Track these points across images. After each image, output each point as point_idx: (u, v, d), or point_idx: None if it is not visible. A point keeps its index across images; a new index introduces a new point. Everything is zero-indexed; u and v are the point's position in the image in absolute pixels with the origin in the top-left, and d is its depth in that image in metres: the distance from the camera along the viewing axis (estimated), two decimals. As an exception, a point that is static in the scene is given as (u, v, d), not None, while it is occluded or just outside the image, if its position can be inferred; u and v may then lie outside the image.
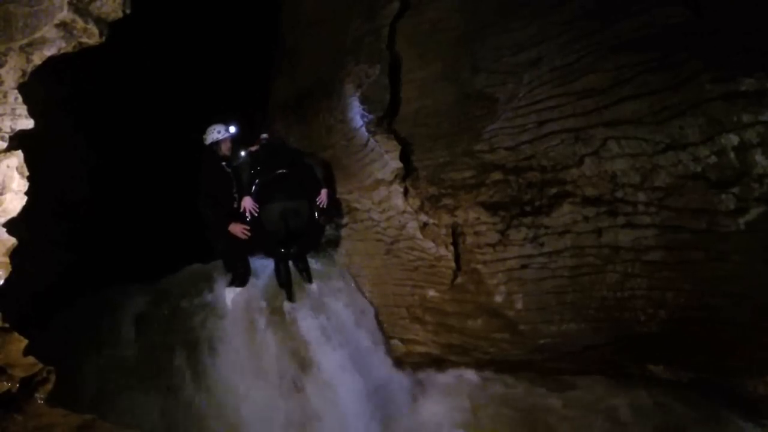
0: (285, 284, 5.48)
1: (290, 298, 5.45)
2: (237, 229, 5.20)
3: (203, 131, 5.46)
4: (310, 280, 5.73)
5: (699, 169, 4.22)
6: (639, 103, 4.48)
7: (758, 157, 3.91)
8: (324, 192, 5.56)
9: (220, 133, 5.43)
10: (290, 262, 5.62)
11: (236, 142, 5.64)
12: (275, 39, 7.54)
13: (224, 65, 8.33)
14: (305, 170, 5.67)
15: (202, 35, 7.93)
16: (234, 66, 8.36)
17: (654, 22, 4.40)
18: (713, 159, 4.13)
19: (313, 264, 5.99)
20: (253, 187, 5.37)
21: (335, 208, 6.01)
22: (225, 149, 5.47)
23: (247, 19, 8.27)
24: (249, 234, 5.22)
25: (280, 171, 5.49)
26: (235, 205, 5.40)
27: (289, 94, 6.98)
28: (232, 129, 5.52)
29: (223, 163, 5.45)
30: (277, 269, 5.57)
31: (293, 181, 5.52)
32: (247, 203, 5.27)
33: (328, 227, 6.35)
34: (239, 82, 8.15)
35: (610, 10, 4.63)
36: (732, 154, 4.03)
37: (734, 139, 4.02)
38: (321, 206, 5.54)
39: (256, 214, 5.27)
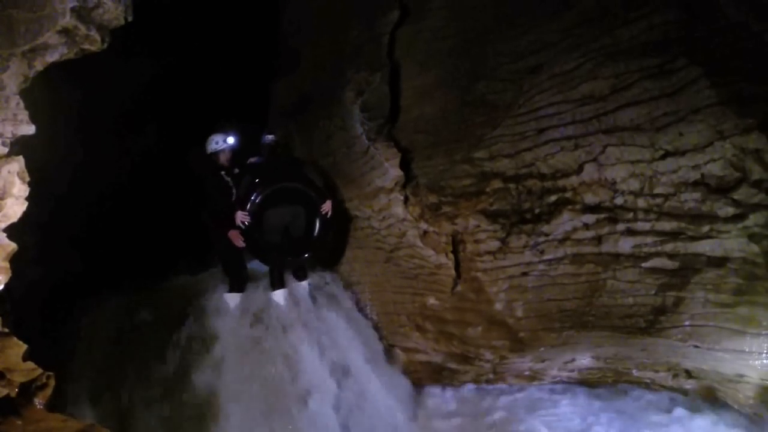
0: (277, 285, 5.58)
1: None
2: (234, 237, 5.33)
3: (203, 138, 5.51)
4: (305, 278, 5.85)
5: (698, 175, 4.23)
6: (638, 110, 4.49)
7: (757, 163, 3.92)
8: (329, 203, 5.67)
9: (218, 144, 5.49)
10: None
11: (236, 152, 5.66)
12: (275, 45, 7.58)
13: (224, 71, 8.34)
14: (307, 182, 5.73)
15: (202, 41, 7.95)
16: (234, 72, 8.37)
17: (652, 29, 4.42)
18: (712, 165, 4.14)
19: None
20: (252, 198, 5.41)
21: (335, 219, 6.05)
22: (224, 159, 5.52)
23: (248, 25, 8.30)
24: (245, 243, 5.38)
25: (281, 185, 5.57)
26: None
27: (289, 101, 6.99)
28: (231, 140, 5.53)
29: (222, 172, 5.50)
30: (271, 275, 5.63)
31: (294, 192, 5.61)
32: (238, 216, 5.32)
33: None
34: (239, 87, 8.16)
35: (609, 17, 4.64)
36: (731, 160, 4.04)
37: (733, 144, 4.04)
38: (325, 215, 5.68)
39: (244, 226, 5.33)
